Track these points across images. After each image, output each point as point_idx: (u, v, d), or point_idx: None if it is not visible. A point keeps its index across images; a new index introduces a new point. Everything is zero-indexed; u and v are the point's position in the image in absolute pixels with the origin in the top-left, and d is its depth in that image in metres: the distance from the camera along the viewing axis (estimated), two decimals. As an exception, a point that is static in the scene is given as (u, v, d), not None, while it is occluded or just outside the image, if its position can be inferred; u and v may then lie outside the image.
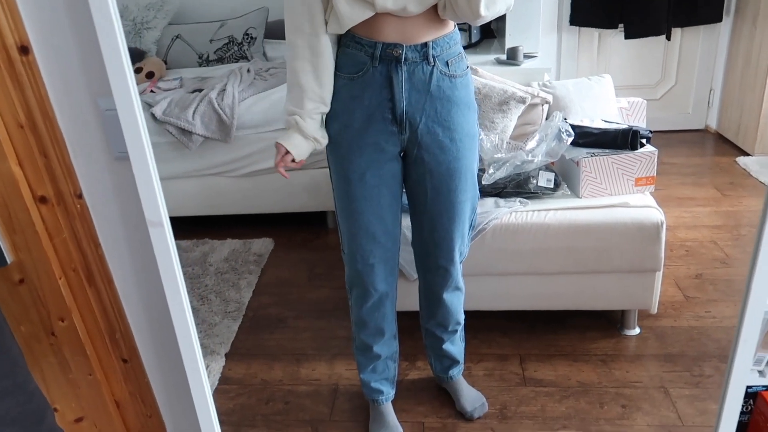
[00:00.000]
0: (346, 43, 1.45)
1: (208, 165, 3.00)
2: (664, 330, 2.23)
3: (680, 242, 2.78)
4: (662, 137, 4.08)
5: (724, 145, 3.89)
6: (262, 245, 2.96)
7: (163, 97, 3.00)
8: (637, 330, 2.23)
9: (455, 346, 1.89)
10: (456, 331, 1.86)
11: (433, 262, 1.68)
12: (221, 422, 1.94)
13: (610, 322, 2.28)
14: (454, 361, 1.92)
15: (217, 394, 2.05)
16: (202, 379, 0.88)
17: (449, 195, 1.55)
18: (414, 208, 1.63)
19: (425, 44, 1.40)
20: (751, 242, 2.78)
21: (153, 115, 2.92)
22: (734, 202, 3.12)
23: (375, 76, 1.40)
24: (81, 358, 0.91)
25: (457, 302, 1.79)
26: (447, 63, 1.44)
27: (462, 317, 1.85)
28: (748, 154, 3.68)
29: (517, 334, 2.25)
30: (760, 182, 3.32)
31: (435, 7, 1.38)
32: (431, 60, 1.41)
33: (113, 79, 0.71)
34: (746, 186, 3.31)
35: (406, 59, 1.39)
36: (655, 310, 2.17)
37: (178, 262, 0.79)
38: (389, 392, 1.88)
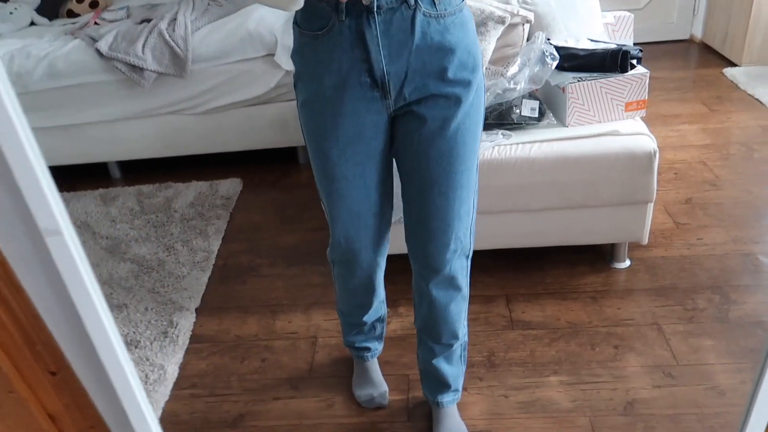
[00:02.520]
0: None
1: (165, 103, 2.78)
2: (655, 261, 2.13)
3: (668, 164, 2.66)
4: (645, 49, 3.88)
5: (710, 56, 3.73)
6: (230, 186, 2.79)
7: (108, 30, 2.74)
8: (628, 262, 2.13)
9: (452, 366, 1.53)
10: (451, 345, 1.50)
11: (421, 248, 1.35)
12: (194, 385, 1.85)
13: (599, 254, 2.18)
14: (445, 384, 1.55)
15: (189, 353, 1.94)
16: (134, 392, 0.75)
17: (441, 161, 1.24)
18: (401, 176, 1.33)
19: None
20: (740, 161, 2.68)
21: (98, 51, 2.66)
22: (722, 118, 2.99)
23: (343, 32, 1.12)
24: (-2, 375, 0.78)
25: (455, 309, 1.43)
26: (433, 1, 1.13)
27: (462, 332, 1.49)
28: (735, 65, 3.52)
29: (502, 272, 2.14)
30: (749, 95, 3.19)
31: None
32: (411, 2, 1.11)
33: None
34: (734, 99, 3.17)
35: (379, 7, 1.10)
36: (646, 241, 2.07)
37: (88, 269, 0.63)
38: (377, 348, 1.75)
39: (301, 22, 1.19)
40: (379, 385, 1.72)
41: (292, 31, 1.23)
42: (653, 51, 3.88)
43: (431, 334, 1.48)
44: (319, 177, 1.31)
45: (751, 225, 2.26)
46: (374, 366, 1.76)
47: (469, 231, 1.35)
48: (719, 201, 2.40)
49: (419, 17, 1.12)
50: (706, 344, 1.80)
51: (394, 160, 1.34)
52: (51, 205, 0.54)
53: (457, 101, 1.20)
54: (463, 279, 1.41)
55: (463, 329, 1.50)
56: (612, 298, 2.00)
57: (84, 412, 0.85)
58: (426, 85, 1.18)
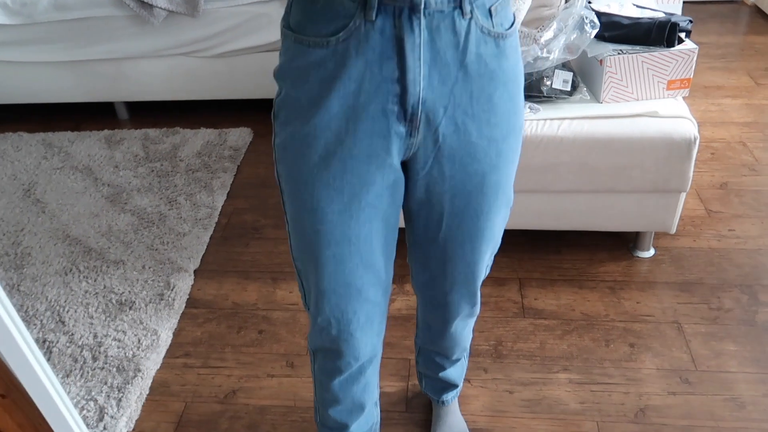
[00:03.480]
0: None
1: (175, 43, 2.63)
2: (682, 252, 2.00)
3: (706, 143, 2.48)
4: (691, 9, 3.64)
5: (761, 21, 3.47)
6: (239, 136, 2.67)
7: (117, -38, 2.56)
8: (652, 251, 2.00)
9: (457, 369, 1.42)
10: (461, 358, 1.40)
11: (440, 297, 1.14)
12: (187, 354, 1.78)
13: (621, 241, 2.05)
14: (452, 385, 1.46)
15: (184, 319, 1.87)
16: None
17: (477, 220, 0.99)
18: (415, 231, 1.05)
19: None
20: (785, 144, 2.50)
21: (106, -16, 2.50)
22: (768, 94, 2.79)
23: (371, 38, 0.80)
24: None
25: (468, 330, 1.29)
26: (489, 11, 0.83)
27: (470, 340, 1.36)
28: (788, 34, 3.27)
29: (517, 253, 2.02)
30: (800, 69, 2.96)
31: None
32: (467, 8, 0.81)
33: None
34: (783, 73, 2.94)
35: (426, 6, 0.79)
36: (674, 231, 1.93)
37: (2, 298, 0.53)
38: None
39: (301, 23, 0.84)
40: None
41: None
42: (700, 12, 3.62)
43: (441, 353, 1.35)
44: (307, 241, 0.96)
45: (790, 217, 2.10)
46: None
47: (491, 260, 1.15)
48: (757, 188, 2.24)
49: (474, 31, 0.82)
50: (728, 349, 1.69)
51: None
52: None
53: (501, 149, 0.93)
54: (479, 300, 1.21)
55: (470, 338, 1.36)
56: (632, 290, 1.88)
57: (41, 431, 0.78)
58: (467, 129, 0.89)
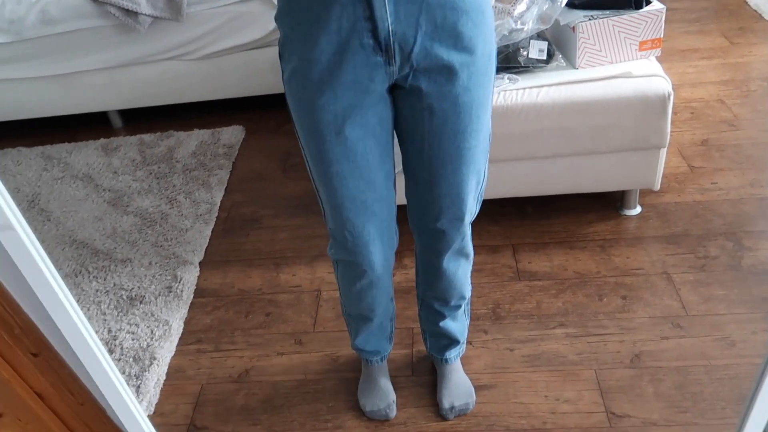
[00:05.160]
0: None
1: (162, 48, 2.70)
2: (667, 207, 2.07)
3: (685, 103, 2.55)
4: (665, -23, 3.70)
5: (734, -17, 3.53)
6: (232, 134, 2.73)
7: (100, -27, 2.62)
8: (638, 209, 2.07)
9: (457, 322, 1.53)
10: (460, 306, 1.50)
11: (431, 224, 1.28)
12: (199, 340, 1.85)
13: (608, 201, 2.12)
14: (453, 341, 1.56)
15: (193, 308, 1.94)
16: (107, 372, 0.73)
17: (455, 139, 1.13)
18: (406, 155, 1.22)
19: None
20: (761, 98, 2.57)
21: (90, -5, 2.56)
22: (743, 52, 2.85)
23: None
24: (-22, 359, 0.77)
25: (462, 273, 1.41)
26: None
27: (468, 290, 1.49)
28: (759, -7, 3.33)
29: (508, 221, 2.10)
30: (772, 26, 3.02)
31: None
32: None
33: None
34: (757, 31, 3.01)
35: None
36: (658, 187, 2.00)
37: (44, 257, 0.60)
38: (386, 349, 1.60)
39: None
40: (386, 395, 1.58)
41: None
42: (673, -21, 3.69)
43: (439, 299, 1.46)
44: (315, 161, 1.15)
45: (769, 167, 2.17)
46: (383, 371, 1.62)
47: (478, 198, 1.28)
48: (737, 142, 2.31)
49: None
50: (717, 293, 1.76)
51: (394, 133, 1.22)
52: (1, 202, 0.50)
53: (471, 72, 1.07)
54: (471, 244, 1.37)
55: (468, 287, 1.48)
56: (621, 247, 1.95)
57: (73, 390, 0.84)
58: (437, 54, 1.03)
